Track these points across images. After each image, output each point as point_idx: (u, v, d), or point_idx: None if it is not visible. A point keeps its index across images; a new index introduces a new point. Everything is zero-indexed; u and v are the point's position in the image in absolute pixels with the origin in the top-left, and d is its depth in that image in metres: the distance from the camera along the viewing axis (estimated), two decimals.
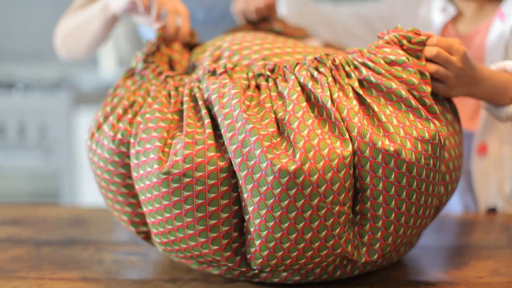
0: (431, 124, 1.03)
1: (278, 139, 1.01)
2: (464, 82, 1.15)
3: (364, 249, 1.05)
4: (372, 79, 1.06)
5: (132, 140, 1.09)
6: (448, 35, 1.58)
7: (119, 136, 1.11)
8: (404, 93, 1.05)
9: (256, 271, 1.08)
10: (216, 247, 1.04)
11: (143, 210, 1.10)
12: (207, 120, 1.05)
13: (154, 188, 1.03)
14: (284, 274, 1.08)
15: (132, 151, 1.09)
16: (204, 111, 1.07)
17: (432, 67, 1.11)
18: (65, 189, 2.98)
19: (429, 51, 1.11)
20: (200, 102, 1.08)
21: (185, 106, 1.09)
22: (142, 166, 1.06)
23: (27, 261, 1.22)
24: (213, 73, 1.11)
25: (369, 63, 1.08)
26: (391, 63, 1.08)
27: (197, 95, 1.09)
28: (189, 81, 1.13)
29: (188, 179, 1.01)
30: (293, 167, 0.96)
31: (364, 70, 1.07)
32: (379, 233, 1.04)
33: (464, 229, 1.42)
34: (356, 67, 1.08)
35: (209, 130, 1.04)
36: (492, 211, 1.53)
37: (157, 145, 1.05)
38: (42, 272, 1.16)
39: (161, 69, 1.19)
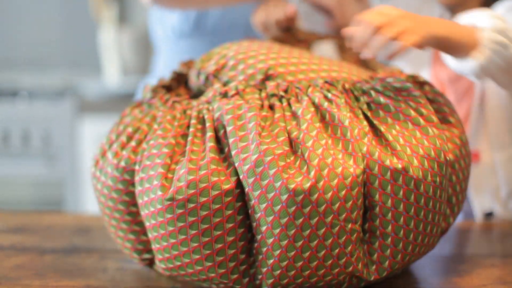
0: (437, 141, 1.06)
1: (292, 158, 1.02)
2: (415, 21, 1.12)
3: (374, 267, 1.06)
4: (382, 99, 1.10)
5: (136, 167, 1.10)
6: None
7: (122, 164, 1.12)
8: (412, 112, 1.09)
9: None
10: (223, 271, 1.04)
11: (148, 236, 1.09)
12: (210, 144, 1.05)
13: (158, 214, 1.04)
14: None
15: (137, 178, 1.09)
16: (209, 134, 1.07)
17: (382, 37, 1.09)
18: (69, 197, 2.98)
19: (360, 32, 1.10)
20: (208, 124, 1.08)
21: (191, 129, 1.09)
22: (146, 192, 1.06)
23: (31, 269, 1.22)
24: (224, 95, 1.12)
25: (378, 87, 1.12)
26: (397, 89, 1.13)
27: (206, 116, 1.10)
28: (198, 103, 1.14)
29: (192, 205, 1.01)
30: (308, 185, 0.98)
31: (373, 93, 1.11)
32: (388, 251, 1.05)
33: (467, 237, 1.42)
34: (364, 92, 1.12)
35: (212, 155, 1.04)
36: (489, 215, 1.53)
37: (160, 171, 1.05)
38: (46, 280, 1.16)
39: (169, 96, 1.19)
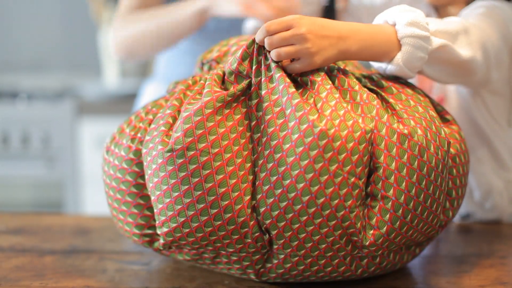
0: (436, 120, 1.11)
1: (307, 105, 1.04)
2: (325, 42, 1.11)
3: (371, 231, 1.07)
4: (384, 83, 1.15)
5: (146, 136, 1.12)
6: None
7: (138, 135, 1.15)
8: (411, 92, 1.15)
9: (267, 238, 1.08)
10: (229, 215, 1.05)
11: (151, 199, 1.10)
12: (206, 89, 1.08)
13: (160, 169, 1.06)
14: (294, 258, 1.08)
15: (144, 141, 1.12)
16: (208, 82, 1.10)
17: (282, 52, 1.09)
18: (69, 198, 2.98)
19: (267, 43, 1.10)
20: (211, 75, 1.11)
21: (196, 87, 1.13)
22: (149, 152, 1.09)
23: (30, 270, 1.22)
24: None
25: (378, 75, 1.18)
26: (396, 77, 1.19)
27: (213, 72, 1.12)
28: (212, 72, 1.16)
29: (192, 152, 1.03)
30: (318, 129, 1.00)
31: (375, 77, 1.16)
32: (388, 215, 1.05)
33: (465, 238, 1.43)
34: (365, 76, 1.17)
35: (206, 98, 1.06)
36: (465, 218, 1.53)
37: (162, 129, 1.08)
38: (45, 281, 1.17)
39: (191, 79, 1.21)
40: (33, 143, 2.98)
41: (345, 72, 1.12)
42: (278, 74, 1.07)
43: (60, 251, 1.33)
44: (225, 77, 1.12)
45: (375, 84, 1.15)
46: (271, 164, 1.04)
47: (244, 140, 1.08)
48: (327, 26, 1.12)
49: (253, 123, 1.09)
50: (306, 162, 1.00)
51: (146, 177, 1.10)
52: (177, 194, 1.05)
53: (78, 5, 3.52)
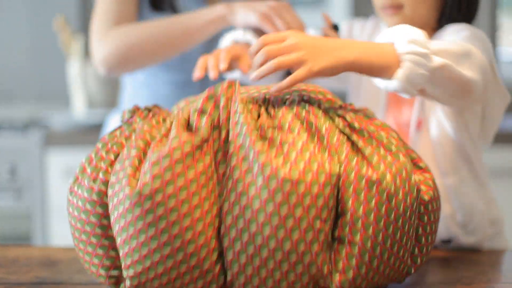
0: (408, 166, 1.11)
1: (269, 148, 1.05)
2: (320, 51, 1.15)
3: (337, 277, 1.07)
4: (356, 125, 1.14)
5: (110, 177, 1.12)
6: None
7: (100, 175, 1.14)
8: (384, 139, 1.13)
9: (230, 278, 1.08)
10: (194, 261, 1.05)
11: (117, 242, 1.10)
12: (174, 133, 1.08)
13: (127, 212, 1.05)
14: None
15: (109, 183, 1.11)
16: (175, 124, 1.10)
17: (278, 61, 1.13)
18: (37, 230, 2.96)
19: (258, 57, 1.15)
20: (177, 119, 1.12)
21: (162, 131, 1.13)
22: (116, 194, 1.08)
23: None
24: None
25: (352, 114, 1.17)
26: (370, 119, 1.18)
27: (179, 115, 1.13)
28: (178, 112, 1.16)
29: (159, 197, 1.03)
30: (282, 174, 1.01)
31: (348, 118, 1.15)
32: (354, 261, 1.06)
33: (451, 264, 1.42)
34: (339, 116, 1.16)
35: (174, 142, 1.06)
36: (446, 243, 1.54)
37: (128, 171, 1.08)
38: None
39: (147, 112, 1.21)
40: (0, 174, 2.97)
41: (316, 113, 1.12)
42: (242, 118, 1.08)
43: (27, 283, 1.32)
44: (190, 116, 1.13)
45: (347, 124, 1.15)
46: (237, 210, 1.04)
47: (212, 185, 1.07)
48: (321, 39, 1.16)
49: (221, 167, 1.09)
50: (271, 207, 1.01)
51: (112, 218, 1.10)
52: (143, 238, 1.05)
53: (46, 36, 3.51)
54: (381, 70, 1.20)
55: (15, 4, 3.57)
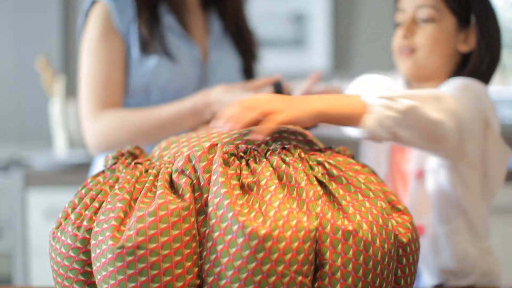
0: (384, 212, 1.13)
1: (246, 210, 1.06)
2: (287, 103, 1.18)
3: None
4: (335, 171, 1.16)
5: (94, 226, 1.12)
6: None
7: (84, 223, 1.14)
8: (362, 185, 1.15)
9: None
10: None
11: None
12: (159, 191, 1.09)
13: (109, 264, 1.06)
14: None
15: (92, 232, 1.12)
16: (161, 183, 1.11)
17: (247, 117, 1.16)
18: (18, 270, 2.95)
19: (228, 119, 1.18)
20: (162, 176, 1.13)
21: (147, 184, 1.14)
22: (99, 245, 1.08)
23: None
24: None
25: (331, 161, 1.19)
26: (348, 164, 1.21)
27: (163, 170, 1.15)
28: (160, 163, 1.19)
29: (142, 251, 1.04)
30: (263, 232, 1.02)
31: (327, 165, 1.17)
32: None
33: None
34: (319, 163, 1.18)
35: (160, 201, 1.07)
36: (438, 287, 1.55)
37: (113, 224, 1.08)
38: None
39: (131, 160, 1.23)
40: None
41: (295, 166, 1.13)
42: (220, 179, 1.09)
43: None
44: (172, 175, 1.14)
45: (326, 172, 1.16)
46: (218, 269, 1.05)
47: (194, 244, 1.08)
48: (286, 95, 1.21)
49: (203, 227, 1.10)
50: (253, 265, 1.02)
51: (94, 268, 1.10)
52: None
53: (28, 76, 3.53)
54: (351, 119, 1.22)
55: None
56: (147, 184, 1.14)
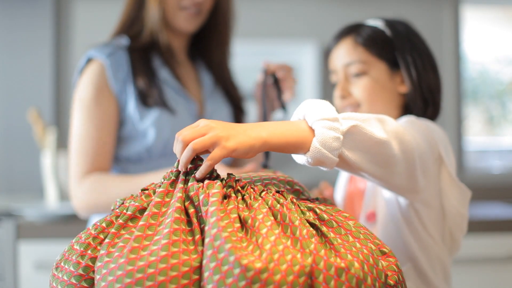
0: (375, 253, 1.15)
1: (245, 243, 1.08)
2: (234, 130, 1.18)
3: None
4: (325, 216, 1.19)
5: (100, 250, 1.15)
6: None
7: (89, 251, 1.17)
8: (352, 228, 1.18)
9: None
10: None
11: None
12: (175, 216, 1.13)
13: (118, 280, 1.07)
14: None
15: (99, 256, 1.14)
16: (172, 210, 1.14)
17: (195, 143, 1.16)
18: None
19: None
20: (164, 209, 1.16)
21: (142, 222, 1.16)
22: (106, 265, 1.10)
23: None
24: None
25: (321, 207, 1.22)
26: (338, 211, 1.23)
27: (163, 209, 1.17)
28: (155, 202, 1.20)
29: (150, 283, 1.05)
30: (259, 264, 1.03)
31: (317, 210, 1.20)
32: None
33: None
34: (310, 209, 1.21)
35: (165, 241, 1.09)
36: None
37: (121, 244, 1.12)
38: None
39: (139, 202, 1.24)
40: None
41: (289, 207, 1.16)
42: (215, 215, 1.11)
43: None
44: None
45: (317, 217, 1.19)
46: None
47: (193, 275, 1.09)
48: (233, 123, 1.19)
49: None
50: None
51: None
52: None
53: (20, 128, 3.54)
54: (296, 145, 1.21)
55: None
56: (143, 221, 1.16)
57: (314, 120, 1.21)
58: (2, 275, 2.94)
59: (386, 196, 1.54)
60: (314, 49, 3.59)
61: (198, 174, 1.18)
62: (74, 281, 1.16)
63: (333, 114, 1.22)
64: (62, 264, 1.19)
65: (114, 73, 1.94)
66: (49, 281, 1.22)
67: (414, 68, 1.63)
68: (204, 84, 2.09)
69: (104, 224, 1.22)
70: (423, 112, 1.65)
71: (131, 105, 1.93)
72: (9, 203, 3.34)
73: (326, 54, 1.76)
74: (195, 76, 2.13)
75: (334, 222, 1.18)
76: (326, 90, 3.62)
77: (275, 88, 1.98)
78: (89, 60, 1.98)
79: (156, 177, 1.78)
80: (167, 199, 1.19)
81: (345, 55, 1.67)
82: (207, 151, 1.19)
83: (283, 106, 1.99)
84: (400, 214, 1.52)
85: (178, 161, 1.21)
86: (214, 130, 1.16)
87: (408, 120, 1.50)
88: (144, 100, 1.93)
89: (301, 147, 1.21)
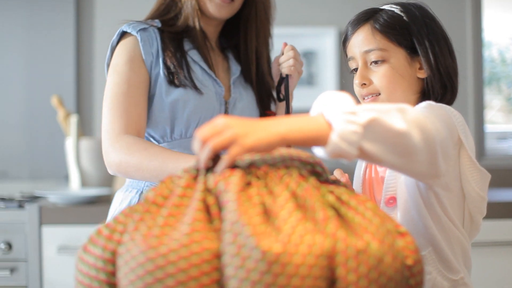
0: (392, 233, 1.16)
1: (266, 227, 1.08)
2: (251, 127, 1.18)
3: None
4: (345, 196, 1.19)
5: (124, 237, 1.16)
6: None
7: (116, 236, 1.17)
8: (370, 207, 1.18)
9: None
10: None
11: None
12: (197, 205, 1.13)
13: (139, 266, 1.08)
14: None
15: (122, 242, 1.15)
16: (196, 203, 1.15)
17: (214, 143, 1.17)
18: None
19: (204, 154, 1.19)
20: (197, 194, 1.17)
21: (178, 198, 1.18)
22: (128, 250, 1.11)
23: None
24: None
25: (341, 190, 1.22)
26: (357, 194, 1.23)
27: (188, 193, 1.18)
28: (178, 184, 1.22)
29: (173, 256, 1.06)
30: (278, 248, 1.04)
31: (337, 192, 1.20)
32: None
33: None
34: (330, 191, 1.21)
35: (187, 229, 1.10)
36: None
37: (143, 232, 1.12)
38: None
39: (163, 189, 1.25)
40: None
41: (310, 191, 1.16)
42: (235, 203, 1.11)
43: None
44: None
45: (337, 199, 1.19)
46: (234, 283, 1.05)
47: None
48: (249, 119, 1.20)
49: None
50: (268, 278, 1.03)
51: (121, 274, 1.12)
52: None
53: (43, 116, 3.57)
54: (315, 139, 1.21)
55: (13, 84, 3.64)
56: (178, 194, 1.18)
57: (332, 113, 1.21)
58: (27, 259, 2.98)
59: (406, 181, 1.53)
60: (333, 35, 3.61)
61: (217, 171, 1.20)
62: (100, 265, 1.16)
63: (352, 107, 1.22)
64: (89, 247, 1.19)
65: (146, 48, 1.97)
66: (76, 264, 1.22)
67: (432, 53, 1.63)
68: (232, 72, 2.13)
69: (129, 211, 1.22)
70: (442, 96, 1.65)
71: (159, 82, 1.96)
72: (34, 189, 3.38)
73: (343, 41, 1.76)
74: (225, 63, 2.16)
75: (352, 203, 1.18)
76: (345, 77, 3.63)
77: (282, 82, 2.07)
78: (122, 34, 2.02)
79: (191, 160, 1.77)
80: (189, 191, 1.19)
81: (364, 42, 1.67)
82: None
83: (279, 97, 2.10)
84: (421, 198, 1.51)
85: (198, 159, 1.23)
86: (232, 128, 1.16)
87: (427, 105, 1.50)
88: (172, 79, 1.96)
89: (320, 141, 1.21)
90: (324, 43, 3.62)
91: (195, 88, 1.96)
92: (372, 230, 1.13)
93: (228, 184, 1.16)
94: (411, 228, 1.49)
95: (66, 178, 3.51)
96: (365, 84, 1.67)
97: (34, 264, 2.97)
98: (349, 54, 1.72)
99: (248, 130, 1.16)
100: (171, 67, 1.97)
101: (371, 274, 1.07)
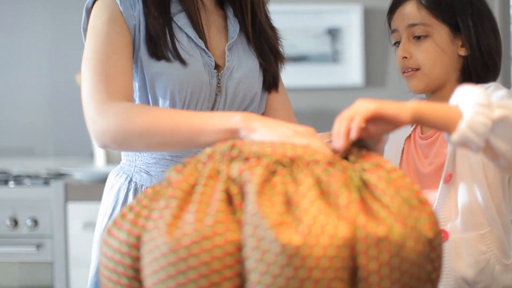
0: (418, 215, 1.14)
1: (286, 217, 1.07)
2: (384, 101, 1.22)
3: None
4: (372, 177, 1.17)
5: (148, 223, 1.15)
6: (413, 135, 1.72)
7: (141, 221, 1.16)
8: (393, 177, 1.18)
9: None
10: None
11: (146, 284, 1.12)
12: (218, 196, 1.12)
13: (162, 256, 1.08)
14: None
15: (146, 229, 1.14)
16: (220, 189, 1.14)
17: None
18: (58, 280, 3.01)
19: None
20: (220, 180, 1.16)
21: (202, 182, 1.16)
22: (153, 239, 1.11)
23: None
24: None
25: (367, 164, 1.21)
26: (388, 171, 1.21)
27: (221, 172, 1.17)
28: (208, 164, 1.21)
29: (195, 250, 1.06)
30: (299, 241, 1.03)
31: (365, 175, 1.18)
32: None
33: None
34: (355, 171, 1.19)
35: (210, 220, 1.09)
36: None
37: (168, 220, 1.11)
38: None
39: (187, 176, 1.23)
40: (22, 226, 3.03)
41: (335, 175, 1.15)
42: (256, 194, 1.10)
43: None
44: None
45: (363, 181, 1.17)
46: (257, 276, 1.05)
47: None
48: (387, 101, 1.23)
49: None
50: (289, 272, 1.02)
51: (146, 261, 1.12)
52: (172, 284, 1.07)
53: (70, 94, 3.59)
54: (444, 123, 1.23)
55: (38, 62, 3.68)
56: (202, 182, 1.16)
57: (465, 103, 1.23)
58: (53, 235, 3.03)
59: (472, 160, 1.54)
60: (358, 12, 3.59)
61: (338, 148, 1.24)
62: (125, 250, 1.16)
63: (486, 100, 1.23)
64: (114, 231, 1.19)
65: (127, 11, 1.69)
66: (100, 246, 1.22)
67: (475, 32, 1.64)
68: (230, 34, 1.84)
69: (153, 194, 1.21)
70: (485, 75, 1.66)
71: (141, 52, 1.71)
72: (60, 166, 3.42)
73: (388, 13, 1.76)
74: (223, 24, 1.86)
75: (379, 183, 1.16)
76: (370, 53, 3.62)
77: None
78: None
79: (207, 119, 1.49)
80: (212, 181, 1.18)
81: (409, 16, 1.67)
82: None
83: None
84: (485, 179, 1.52)
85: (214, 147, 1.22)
86: (370, 103, 1.20)
87: (508, 93, 1.51)
88: (154, 49, 1.69)
89: (450, 127, 1.23)
90: (350, 20, 3.60)
91: (181, 60, 1.68)
92: (395, 212, 1.11)
93: (253, 174, 1.14)
94: (467, 206, 1.50)
95: (91, 155, 3.55)
96: (406, 57, 1.68)
97: (59, 241, 3.02)
98: (393, 26, 1.73)
99: (385, 103, 1.21)
100: (154, 34, 1.68)
101: (393, 261, 1.06)
